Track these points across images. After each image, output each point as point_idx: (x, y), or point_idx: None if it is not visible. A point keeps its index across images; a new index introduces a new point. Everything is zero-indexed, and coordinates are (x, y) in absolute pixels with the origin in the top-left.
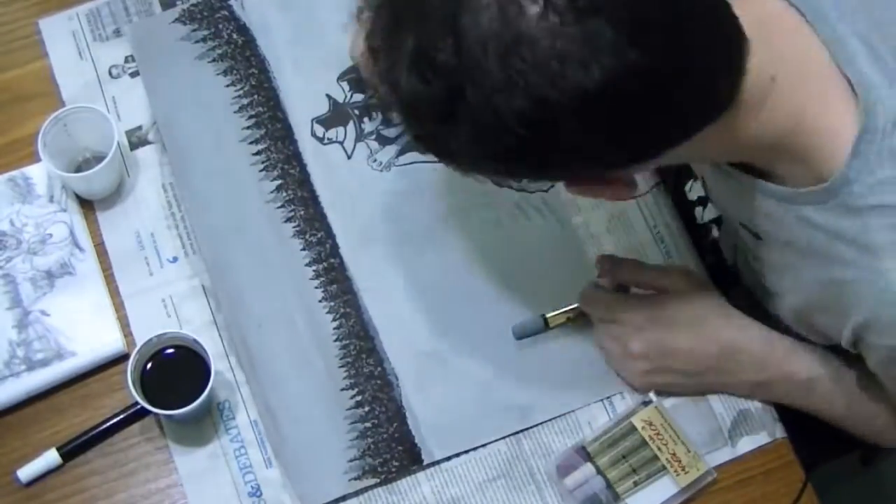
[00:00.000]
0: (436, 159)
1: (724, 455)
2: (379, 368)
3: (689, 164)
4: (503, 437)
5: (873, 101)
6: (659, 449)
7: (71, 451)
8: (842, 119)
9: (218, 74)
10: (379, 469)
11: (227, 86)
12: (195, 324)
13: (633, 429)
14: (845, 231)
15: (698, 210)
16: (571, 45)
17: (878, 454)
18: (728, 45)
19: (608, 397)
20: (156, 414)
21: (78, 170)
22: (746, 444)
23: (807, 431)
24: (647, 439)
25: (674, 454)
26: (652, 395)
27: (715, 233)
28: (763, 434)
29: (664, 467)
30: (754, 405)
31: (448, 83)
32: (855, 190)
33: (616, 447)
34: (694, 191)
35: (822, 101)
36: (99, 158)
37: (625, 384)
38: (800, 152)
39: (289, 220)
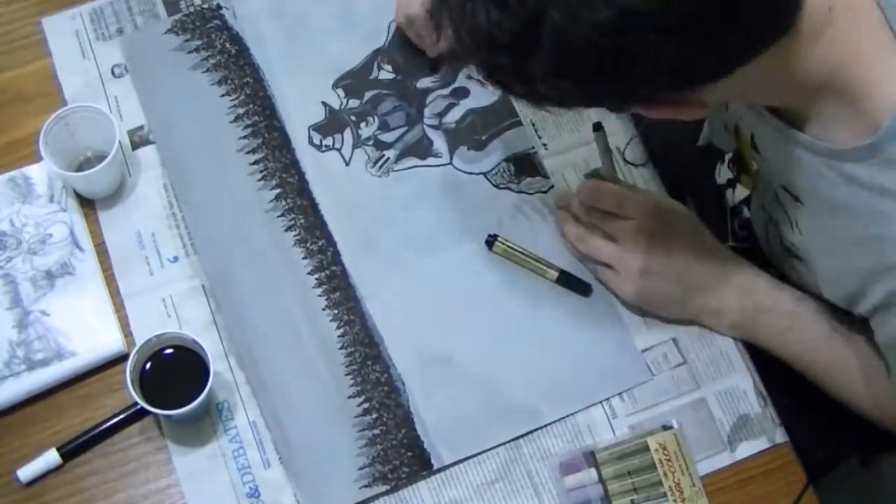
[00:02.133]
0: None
1: (723, 460)
2: (385, 375)
3: (718, 148)
4: (512, 440)
5: None
6: (665, 475)
7: (71, 451)
8: (892, 69)
9: (212, 84)
10: (389, 476)
11: (222, 96)
12: (195, 324)
13: (646, 449)
14: (891, 186)
15: (728, 192)
16: None
17: (878, 455)
18: None
19: (608, 401)
20: (155, 414)
21: (79, 169)
22: (746, 450)
23: (808, 434)
24: (657, 462)
25: (678, 484)
26: (674, 422)
27: (746, 213)
28: (763, 439)
29: (665, 495)
30: (754, 410)
31: (530, 4)
32: None
33: (624, 461)
34: (723, 174)
35: (874, 44)
36: (100, 158)
37: (629, 383)
38: (849, 95)
39: (289, 229)
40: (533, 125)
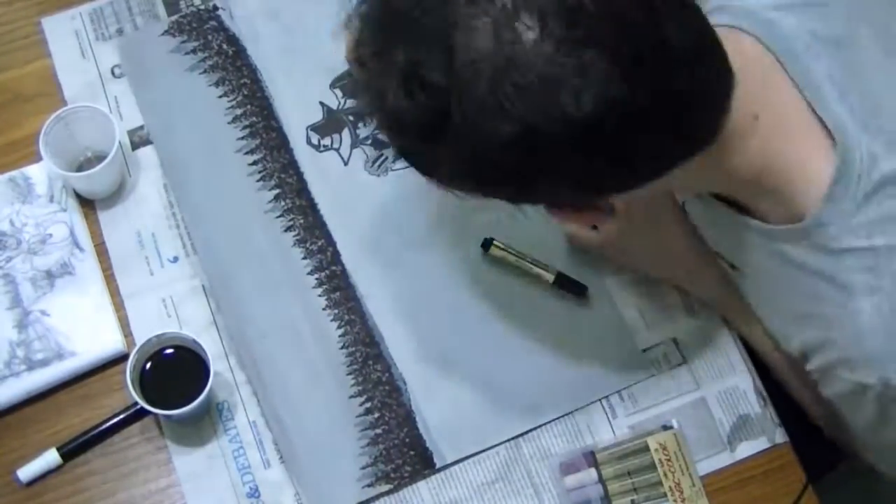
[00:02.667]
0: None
1: (723, 460)
2: (387, 374)
3: None
4: (514, 438)
5: (849, 147)
6: (665, 475)
7: (71, 451)
8: (818, 162)
9: (210, 85)
10: (392, 475)
11: (220, 96)
12: (195, 324)
13: (646, 449)
14: (821, 269)
15: None
16: (565, 74)
17: None
18: (716, 83)
19: (608, 400)
20: (155, 414)
21: (79, 169)
22: (746, 450)
23: (808, 434)
24: (657, 462)
25: (678, 484)
26: (674, 422)
27: None
28: (763, 439)
29: (665, 495)
30: (754, 410)
31: (436, 102)
32: (830, 232)
33: (624, 462)
34: None
35: (800, 142)
36: (100, 158)
37: (629, 380)
38: (778, 191)
39: (288, 229)
40: None
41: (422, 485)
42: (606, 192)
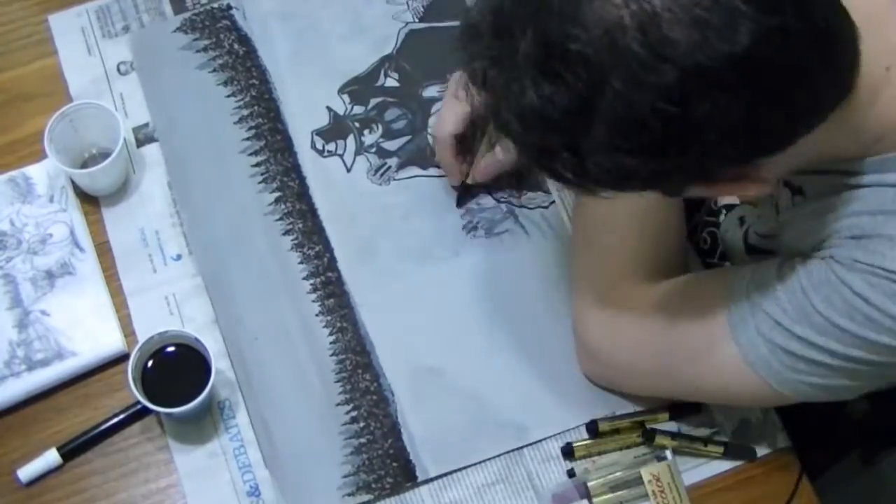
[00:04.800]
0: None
1: (723, 465)
2: (375, 384)
3: None
4: (497, 455)
5: None
6: None
7: (71, 451)
8: None
9: (218, 85)
10: (373, 485)
11: (228, 96)
12: (197, 322)
13: (640, 480)
14: None
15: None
16: (709, 15)
17: (878, 454)
18: (845, 20)
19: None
20: (156, 412)
21: (84, 166)
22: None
23: (808, 434)
24: (650, 494)
25: None
26: (668, 453)
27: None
28: (764, 445)
29: None
30: (755, 415)
31: (588, 74)
32: None
33: (617, 492)
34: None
35: None
36: (105, 155)
37: (620, 403)
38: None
39: (287, 232)
40: None
41: (422, 485)
42: (765, 149)
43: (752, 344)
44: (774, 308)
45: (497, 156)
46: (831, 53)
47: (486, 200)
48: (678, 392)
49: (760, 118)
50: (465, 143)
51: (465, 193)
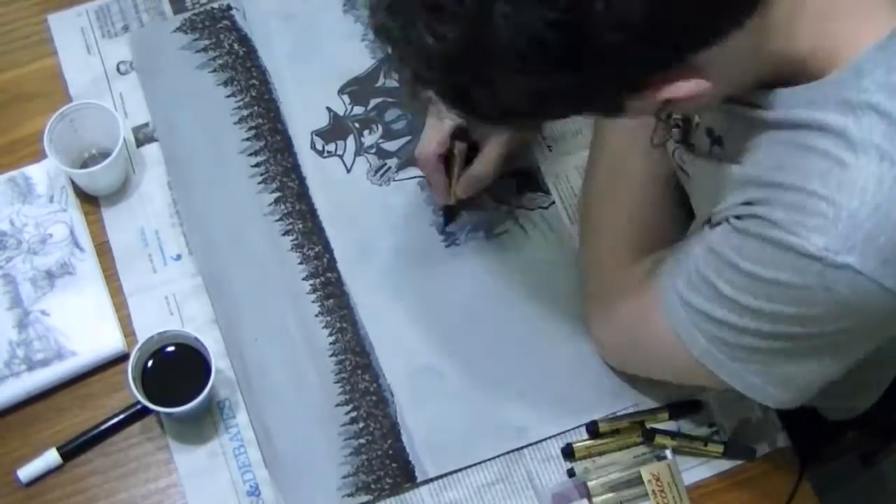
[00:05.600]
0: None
1: (722, 464)
2: (374, 385)
3: None
4: (497, 456)
5: None
6: None
7: (71, 451)
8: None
9: (218, 85)
10: (372, 486)
11: (228, 96)
12: (197, 322)
13: (640, 479)
14: (833, 123)
15: None
16: None
17: (878, 454)
18: None
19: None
20: (156, 412)
21: (83, 166)
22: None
23: (808, 434)
24: (650, 493)
25: None
26: (668, 453)
27: None
28: (764, 444)
29: None
30: (755, 414)
31: (471, 3)
32: (863, 83)
33: (617, 492)
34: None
35: (857, 20)
36: (105, 155)
37: (620, 403)
38: (822, 67)
39: (287, 233)
40: None
41: (422, 484)
42: (680, 46)
43: (690, 335)
44: (695, 297)
45: (474, 170)
46: None
47: (485, 199)
48: (663, 375)
49: (664, 11)
50: (449, 163)
51: (450, 212)
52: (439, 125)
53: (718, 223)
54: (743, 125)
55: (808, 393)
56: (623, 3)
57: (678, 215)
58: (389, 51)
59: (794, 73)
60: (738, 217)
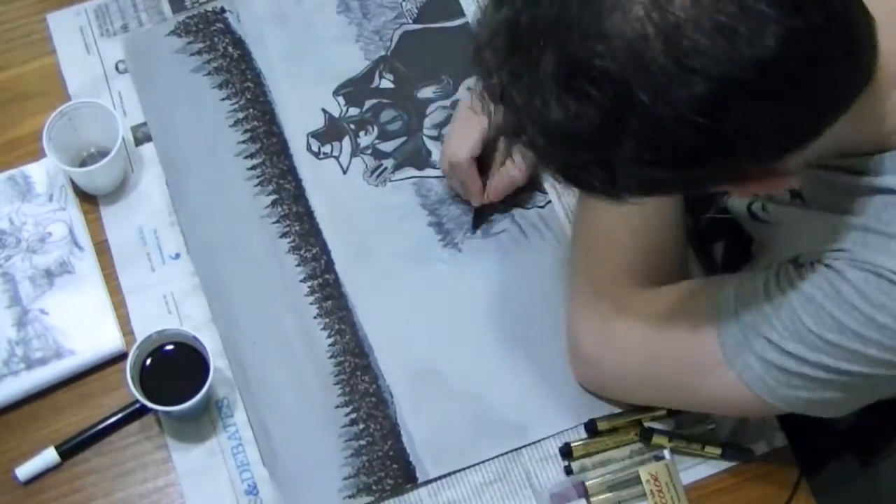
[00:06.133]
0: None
1: (720, 464)
2: (374, 386)
3: None
4: (498, 456)
5: None
6: None
7: (69, 450)
8: None
9: (213, 88)
10: (373, 487)
11: (223, 99)
12: (196, 321)
13: (638, 479)
14: None
15: None
16: (734, 21)
17: (877, 455)
18: (861, 10)
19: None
20: (154, 410)
21: (82, 165)
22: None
23: (806, 435)
24: (648, 493)
25: None
26: (666, 453)
27: None
28: (762, 444)
29: None
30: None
31: (614, 90)
32: None
33: (615, 492)
34: None
35: None
36: (103, 153)
37: (618, 403)
38: None
39: (284, 235)
40: None
41: (420, 484)
42: (794, 147)
43: (746, 364)
44: (765, 327)
45: (509, 172)
46: (853, 45)
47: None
48: (668, 402)
49: (791, 118)
50: (483, 164)
51: (480, 213)
52: (471, 127)
53: (814, 266)
54: (826, 187)
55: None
56: (757, 111)
57: (686, 246)
58: (494, 108)
59: (881, 143)
60: (822, 262)
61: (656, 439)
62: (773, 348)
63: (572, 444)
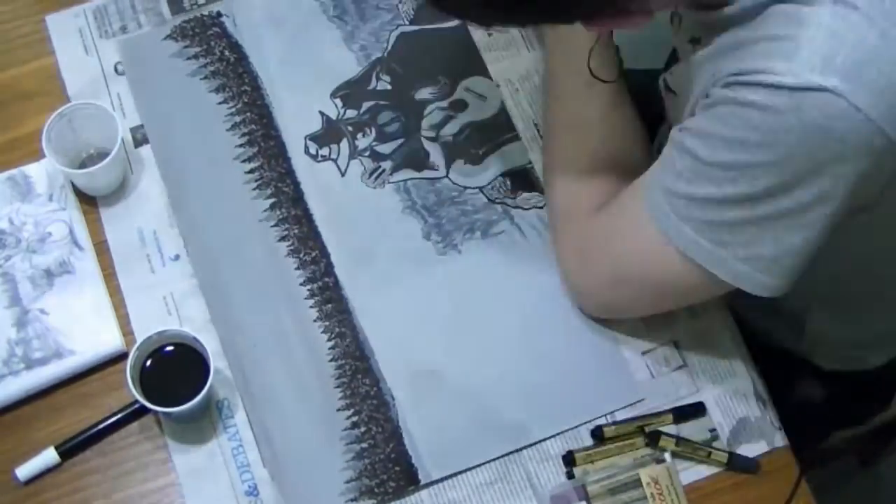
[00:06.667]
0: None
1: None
2: (375, 388)
3: None
4: (500, 457)
5: None
6: None
7: (69, 450)
8: None
9: (210, 92)
10: (376, 490)
11: (220, 103)
12: (196, 322)
13: (638, 482)
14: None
15: None
16: None
17: (877, 455)
18: None
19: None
20: (154, 411)
21: (82, 166)
22: (744, 453)
23: (806, 435)
24: (649, 496)
25: None
26: (666, 456)
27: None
28: (762, 443)
29: None
30: (753, 413)
31: None
32: None
33: (616, 495)
34: None
35: None
36: (103, 155)
37: (618, 402)
38: None
39: (283, 238)
40: (535, 126)
41: (423, 488)
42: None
43: (679, 231)
44: (678, 183)
45: None
46: None
47: (480, 199)
48: (647, 304)
49: None
50: None
51: None
52: None
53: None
54: (712, 26)
55: (794, 275)
56: None
57: (643, 153)
58: None
59: None
60: (706, 96)
61: (663, 442)
62: (688, 203)
63: (575, 454)
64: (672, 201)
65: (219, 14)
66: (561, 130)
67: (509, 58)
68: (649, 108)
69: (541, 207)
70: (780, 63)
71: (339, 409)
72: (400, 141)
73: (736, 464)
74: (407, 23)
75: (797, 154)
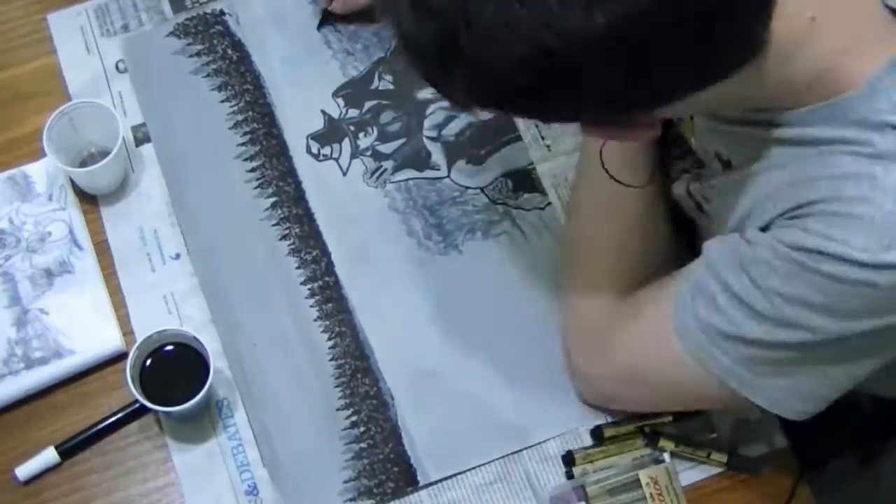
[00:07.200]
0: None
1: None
2: (374, 388)
3: None
4: (499, 458)
5: None
6: None
7: (69, 450)
8: (879, 55)
9: (212, 90)
10: (374, 490)
11: (222, 101)
12: (196, 321)
13: (638, 483)
14: (855, 139)
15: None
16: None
17: (877, 455)
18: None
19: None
20: (154, 411)
21: (83, 165)
22: (745, 454)
23: (806, 435)
24: (648, 497)
25: None
26: (665, 456)
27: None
28: (762, 445)
29: None
30: (753, 414)
31: (442, 25)
32: (877, 104)
33: (615, 496)
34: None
35: (868, 38)
36: (104, 153)
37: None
38: (829, 91)
39: (283, 238)
40: (536, 126)
41: (422, 488)
42: (633, 108)
43: (710, 355)
44: (718, 319)
45: None
46: (718, 29)
47: (481, 200)
48: (673, 403)
49: (616, 88)
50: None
51: (325, 20)
52: None
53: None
54: (752, 146)
55: (829, 401)
56: (594, 69)
57: (671, 245)
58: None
59: (795, 98)
60: (762, 228)
61: (663, 442)
62: (734, 340)
63: (575, 454)
64: (711, 335)
65: (221, 12)
66: (586, 216)
67: None
68: None
69: (542, 208)
70: (854, 235)
71: (338, 409)
72: (401, 140)
73: (736, 464)
74: None
75: (864, 316)
